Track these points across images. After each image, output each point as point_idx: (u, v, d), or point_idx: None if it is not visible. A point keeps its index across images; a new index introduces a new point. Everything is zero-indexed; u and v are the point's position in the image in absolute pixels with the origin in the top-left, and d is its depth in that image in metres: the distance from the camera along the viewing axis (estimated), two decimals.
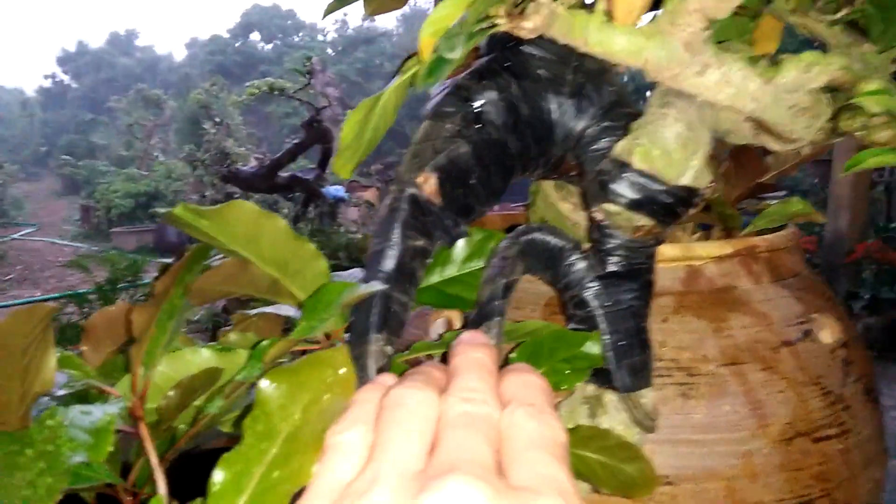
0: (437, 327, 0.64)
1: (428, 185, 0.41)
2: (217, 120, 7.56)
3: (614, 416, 0.44)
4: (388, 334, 0.39)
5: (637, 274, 0.44)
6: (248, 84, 6.48)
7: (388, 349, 0.39)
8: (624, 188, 0.40)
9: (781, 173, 0.64)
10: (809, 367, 0.59)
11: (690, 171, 0.39)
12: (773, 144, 0.40)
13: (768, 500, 0.55)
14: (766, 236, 0.63)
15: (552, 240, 0.43)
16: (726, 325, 0.58)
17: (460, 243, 0.46)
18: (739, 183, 0.59)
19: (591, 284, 0.43)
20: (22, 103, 27.51)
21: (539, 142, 0.44)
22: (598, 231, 0.44)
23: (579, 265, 0.43)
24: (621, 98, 0.45)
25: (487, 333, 0.41)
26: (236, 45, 27.15)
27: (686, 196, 0.40)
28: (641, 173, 0.39)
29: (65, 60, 32.21)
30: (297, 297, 0.45)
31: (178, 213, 0.39)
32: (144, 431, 0.38)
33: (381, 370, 0.38)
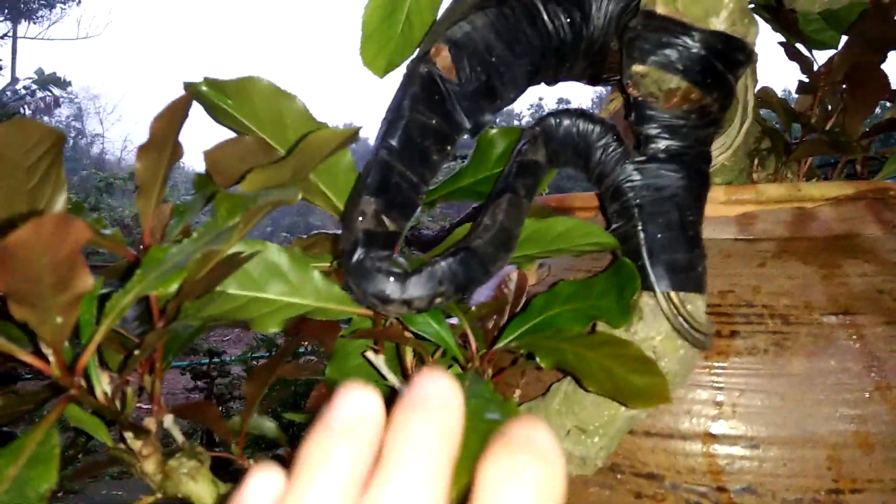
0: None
1: (440, 57, 0.39)
2: None
3: (651, 324, 0.38)
4: (386, 204, 0.37)
5: (683, 159, 0.38)
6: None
7: (388, 221, 0.37)
8: (650, 42, 0.36)
9: None
10: None
11: (723, 10, 0.34)
12: None
13: (889, 479, 0.44)
14: None
15: (582, 123, 0.39)
16: (840, 272, 0.49)
17: (498, 143, 0.44)
18: (861, 107, 0.50)
19: (627, 170, 0.39)
20: None
21: (574, 22, 0.41)
22: (634, 111, 0.39)
23: (614, 148, 0.39)
24: None
25: (496, 210, 0.38)
26: None
27: (723, 47, 0.35)
28: (665, 20, 0.35)
29: None
30: (325, 193, 0.45)
31: (201, 89, 0.41)
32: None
33: (372, 234, 0.36)
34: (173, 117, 0.36)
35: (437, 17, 0.42)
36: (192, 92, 0.41)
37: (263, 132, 0.43)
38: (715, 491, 0.45)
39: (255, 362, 3.08)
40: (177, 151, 0.38)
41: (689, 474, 0.46)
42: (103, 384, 0.32)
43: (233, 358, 3.46)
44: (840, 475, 0.44)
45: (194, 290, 0.36)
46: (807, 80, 0.54)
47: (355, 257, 0.35)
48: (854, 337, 0.46)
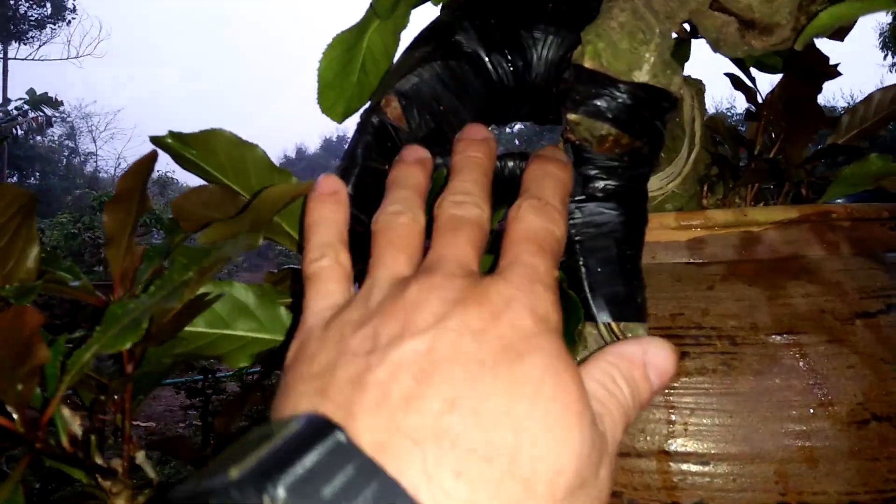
0: None
1: (390, 108, 0.42)
2: None
3: (594, 351, 0.40)
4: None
5: (620, 198, 0.41)
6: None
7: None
8: (580, 93, 0.38)
9: (862, 132, 0.56)
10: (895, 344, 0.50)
11: (645, 64, 0.36)
12: (756, 42, 0.37)
13: (833, 491, 0.46)
14: (847, 203, 0.56)
15: (523, 165, 0.42)
16: (784, 293, 0.51)
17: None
18: (800, 137, 0.53)
19: (569, 208, 0.41)
20: None
21: (516, 70, 0.44)
22: (574, 154, 0.41)
23: None
24: None
25: None
26: None
27: (647, 97, 0.37)
28: (592, 73, 0.37)
29: (286, 165, 36.42)
30: (288, 233, 0.47)
31: (166, 141, 0.43)
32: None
33: None
34: (138, 174, 0.38)
35: (390, 67, 0.44)
36: (159, 145, 0.43)
37: (228, 179, 0.45)
38: None
39: (249, 377, 3.09)
40: (144, 204, 0.40)
41: (645, 490, 0.48)
42: (73, 428, 0.34)
43: (227, 374, 3.47)
44: (787, 489, 0.46)
45: (161, 334, 0.38)
46: (752, 108, 0.57)
47: None
48: (798, 356, 0.48)
